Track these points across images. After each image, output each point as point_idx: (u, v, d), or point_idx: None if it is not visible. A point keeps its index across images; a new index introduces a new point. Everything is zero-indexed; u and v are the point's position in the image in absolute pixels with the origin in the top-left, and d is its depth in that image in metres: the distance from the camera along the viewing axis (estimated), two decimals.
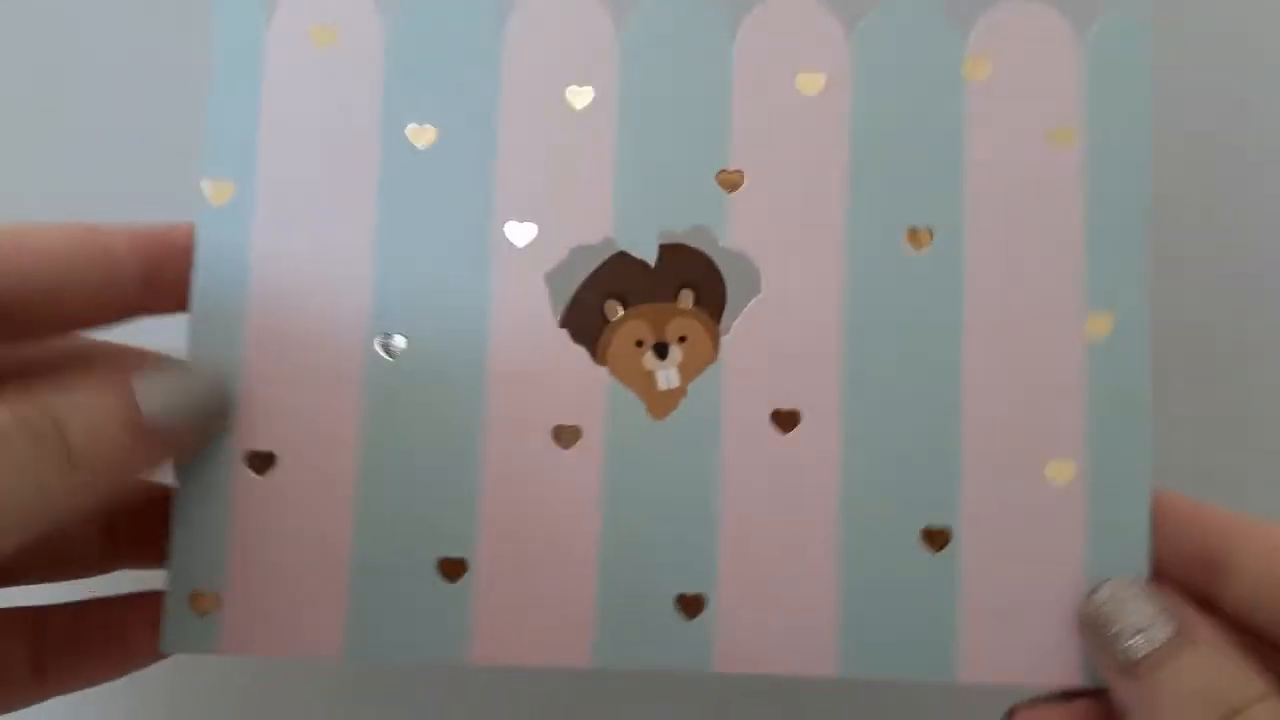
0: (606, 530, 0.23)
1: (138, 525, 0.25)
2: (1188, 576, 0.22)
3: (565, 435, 0.23)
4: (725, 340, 0.24)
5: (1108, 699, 0.22)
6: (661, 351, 0.24)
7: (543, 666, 0.23)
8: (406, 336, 0.23)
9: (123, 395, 0.21)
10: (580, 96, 0.24)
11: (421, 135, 0.24)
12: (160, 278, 0.23)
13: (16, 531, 0.19)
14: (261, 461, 0.23)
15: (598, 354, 0.24)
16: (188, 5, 0.30)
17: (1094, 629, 0.22)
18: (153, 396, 0.21)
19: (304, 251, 0.24)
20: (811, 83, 0.24)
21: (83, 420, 0.20)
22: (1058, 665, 0.23)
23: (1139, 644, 0.21)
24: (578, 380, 0.23)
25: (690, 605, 0.23)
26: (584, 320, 0.24)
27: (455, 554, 0.23)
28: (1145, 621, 0.21)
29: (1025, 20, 0.24)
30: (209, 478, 0.23)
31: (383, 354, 0.23)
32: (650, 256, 0.24)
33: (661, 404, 0.23)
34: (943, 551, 0.23)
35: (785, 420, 0.23)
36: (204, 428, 0.22)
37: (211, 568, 0.23)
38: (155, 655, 0.23)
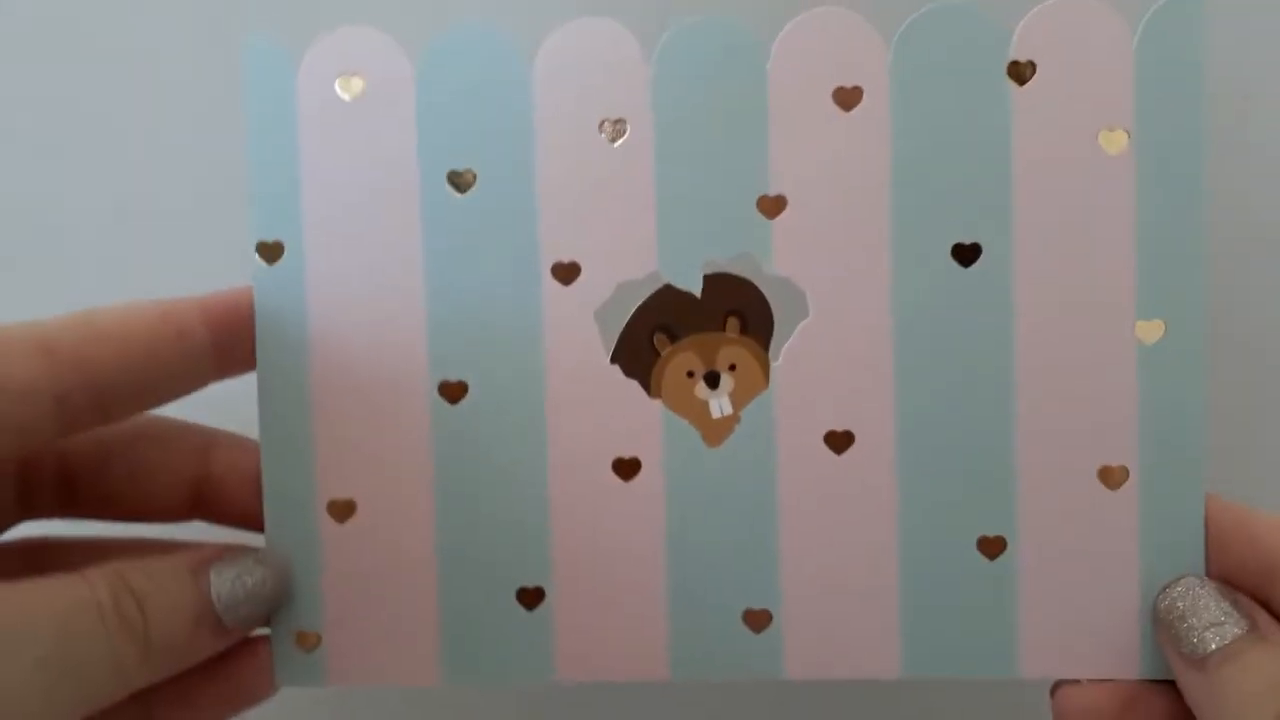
0: (672, 554, 0.24)
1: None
2: (1240, 584, 0.22)
3: (625, 468, 0.24)
4: (775, 366, 0.24)
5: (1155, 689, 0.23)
6: (713, 381, 0.24)
7: (624, 681, 0.25)
8: (466, 380, 0.24)
9: (200, 590, 0.22)
10: (615, 130, 0.24)
11: (461, 180, 0.24)
12: (230, 346, 0.24)
13: (87, 706, 0.20)
14: (342, 509, 0.25)
15: (651, 387, 0.24)
16: (212, 65, 0.30)
17: (1167, 622, 0.23)
18: (226, 591, 0.22)
19: (358, 303, 0.24)
20: (851, 98, 0.23)
21: (162, 609, 0.21)
22: (1115, 659, 0.24)
23: (1212, 637, 0.22)
24: (633, 414, 0.24)
25: (757, 619, 0.24)
26: (635, 355, 0.24)
27: (533, 583, 0.24)
28: (1219, 616, 0.22)
29: (1073, 16, 0.23)
30: (295, 528, 0.24)
31: None
32: (696, 287, 0.24)
33: (716, 432, 0.24)
34: (999, 559, 0.24)
35: (839, 441, 0.24)
36: (267, 617, 0.24)
37: (310, 609, 0.25)
38: (268, 693, 0.25)
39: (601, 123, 0.24)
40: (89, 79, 0.31)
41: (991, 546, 0.24)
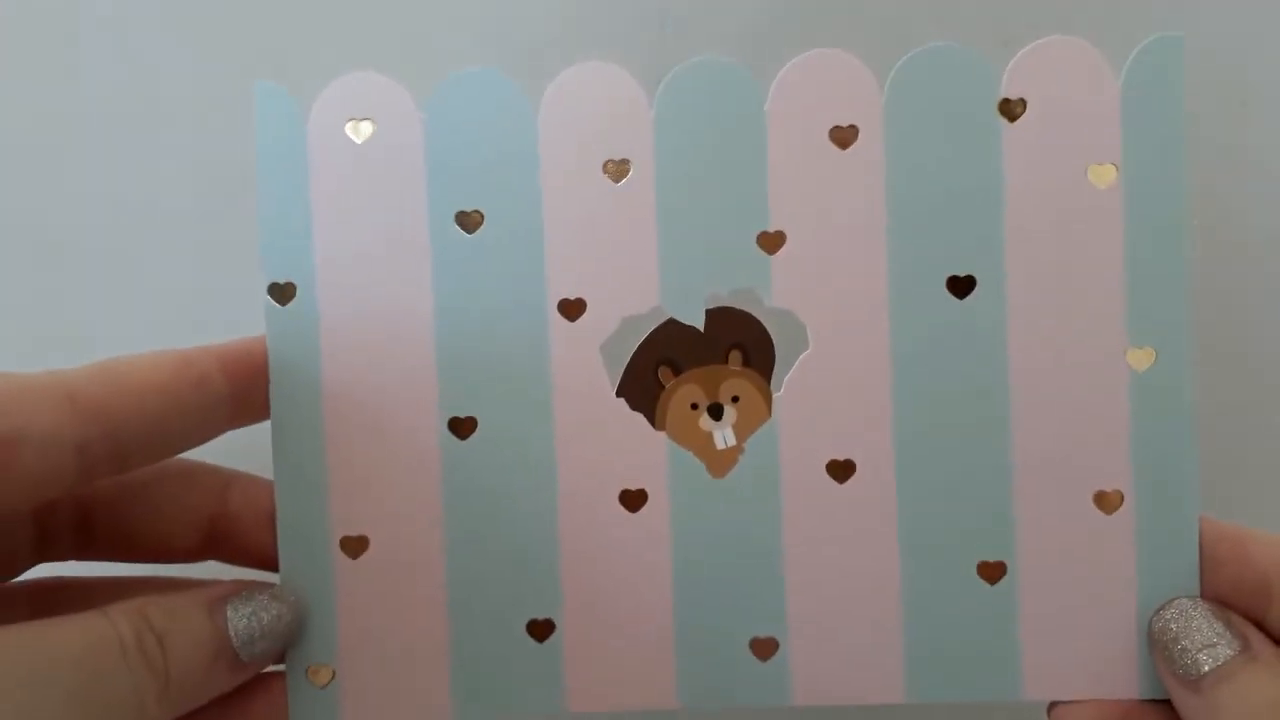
0: (678, 584, 0.25)
1: None
2: (1234, 603, 0.23)
3: (632, 500, 0.25)
4: (777, 397, 0.24)
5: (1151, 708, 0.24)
6: (716, 412, 0.25)
7: (633, 711, 0.25)
8: (475, 415, 0.25)
9: (217, 626, 0.22)
10: (619, 170, 0.24)
11: (468, 220, 0.25)
12: (247, 395, 0.24)
13: None
14: (355, 545, 0.25)
15: (656, 420, 0.25)
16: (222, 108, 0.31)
17: (1162, 644, 0.23)
18: (243, 627, 0.23)
19: (370, 341, 0.25)
20: (847, 136, 0.24)
21: (182, 645, 0.21)
22: (1115, 680, 0.24)
23: (1205, 659, 0.22)
24: (639, 446, 0.25)
25: (763, 647, 0.25)
26: (640, 388, 0.25)
27: (543, 616, 0.25)
28: (1212, 638, 0.22)
29: (1060, 56, 0.23)
30: (309, 564, 0.25)
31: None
32: (698, 321, 0.25)
33: (720, 463, 0.25)
34: (999, 583, 0.24)
35: (841, 471, 0.24)
36: (283, 653, 0.24)
37: (323, 644, 0.25)
38: None
39: (605, 163, 0.25)
40: (96, 100, 0.32)
41: (992, 571, 0.24)
